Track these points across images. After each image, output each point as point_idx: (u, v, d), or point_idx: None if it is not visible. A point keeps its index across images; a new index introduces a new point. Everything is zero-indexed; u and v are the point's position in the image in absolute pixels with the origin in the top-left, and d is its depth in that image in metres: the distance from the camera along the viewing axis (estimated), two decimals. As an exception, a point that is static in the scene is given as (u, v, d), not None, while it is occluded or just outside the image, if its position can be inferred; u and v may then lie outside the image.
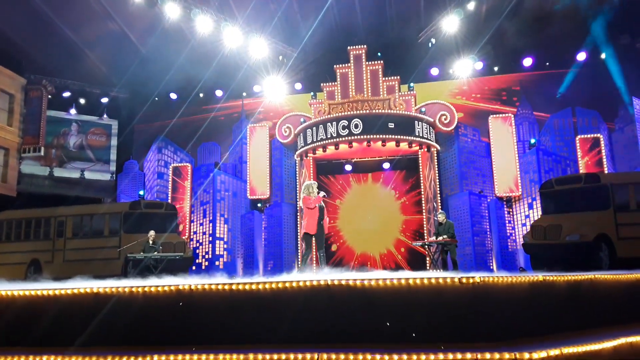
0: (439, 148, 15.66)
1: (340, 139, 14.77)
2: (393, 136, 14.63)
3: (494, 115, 15.68)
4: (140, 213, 13.28)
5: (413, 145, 15.01)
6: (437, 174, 15.40)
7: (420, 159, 15.55)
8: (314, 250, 8.07)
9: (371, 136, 14.58)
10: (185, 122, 17.84)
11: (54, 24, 16.30)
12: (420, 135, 14.96)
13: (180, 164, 17.04)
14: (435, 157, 15.54)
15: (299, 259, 15.27)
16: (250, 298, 5.23)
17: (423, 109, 15.52)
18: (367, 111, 14.86)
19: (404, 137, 14.69)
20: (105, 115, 19.21)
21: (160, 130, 17.78)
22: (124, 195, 17.86)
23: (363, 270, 9.95)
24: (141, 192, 17.82)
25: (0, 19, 15.70)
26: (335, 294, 5.16)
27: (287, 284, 5.21)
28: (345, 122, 14.75)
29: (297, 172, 16.15)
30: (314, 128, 15.28)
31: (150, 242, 11.56)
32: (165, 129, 17.56)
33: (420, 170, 15.47)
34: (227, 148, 18.03)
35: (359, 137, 14.61)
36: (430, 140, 15.29)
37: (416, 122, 14.93)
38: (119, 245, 12.63)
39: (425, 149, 15.37)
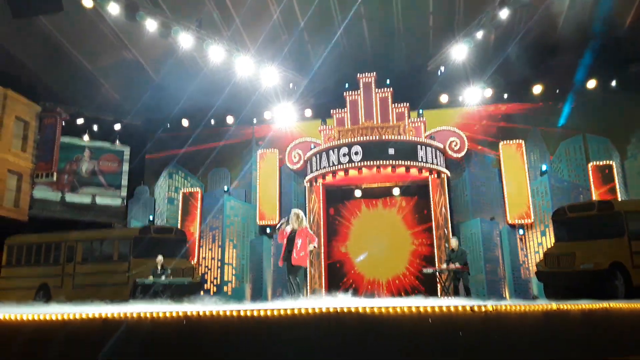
0: (449, 174, 15.67)
1: (350, 164, 14.85)
2: (402, 162, 14.69)
3: (505, 142, 15.69)
4: (150, 238, 13.36)
5: (423, 171, 15.04)
6: (447, 201, 15.34)
7: (430, 185, 15.55)
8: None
9: (381, 162, 14.66)
10: (196, 149, 18.06)
11: (69, 52, 16.81)
12: (429, 161, 15.00)
13: (190, 190, 17.18)
14: (446, 184, 15.52)
15: (307, 288, 15.15)
16: (259, 325, 5.22)
17: (433, 136, 15.58)
18: (377, 137, 14.96)
19: (412, 163, 14.74)
20: (117, 142, 19.55)
21: (172, 156, 18.02)
22: (134, 220, 18.00)
23: (372, 297, 9.83)
24: (151, 217, 17.93)
25: (17, 47, 16.25)
26: (345, 322, 5.12)
27: (296, 311, 5.19)
28: (356, 148, 14.89)
29: (306, 198, 16.20)
30: (324, 154, 15.40)
31: (159, 267, 11.58)
32: (177, 156, 17.79)
33: (431, 196, 15.45)
34: (237, 174, 18.16)
35: (367, 163, 14.69)
36: (439, 166, 15.31)
37: (425, 148, 14.99)
38: (129, 270, 12.66)
39: (435, 175, 15.38)
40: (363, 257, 8.09)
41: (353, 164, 14.79)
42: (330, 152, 15.25)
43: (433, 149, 15.19)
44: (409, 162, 14.78)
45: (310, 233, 8.16)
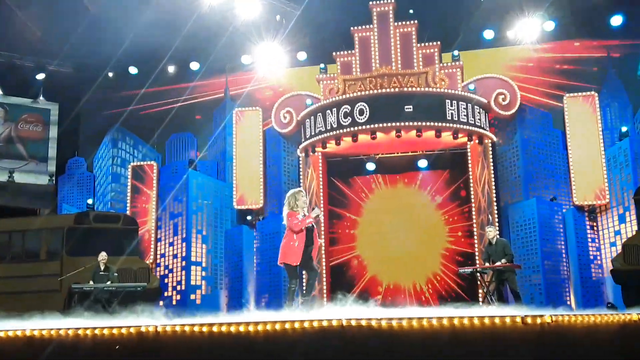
0: (495, 139, 15.65)
1: (359, 127, 14.81)
2: (430, 123, 14.64)
3: (571, 94, 15.60)
4: (88, 229, 13.39)
5: (459, 135, 15.00)
6: (492, 175, 15.35)
7: (469, 154, 15.51)
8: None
9: (401, 123, 14.60)
10: (149, 107, 17.97)
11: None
12: (468, 121, 14.96)
13: (142, 163, 17.13)
14: (490, 152, 15.50)
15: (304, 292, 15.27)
16: (238, 344, 5.28)
17: (472, 86, 15.47)
18: (397, 89, 14.88)
19: (445, 124, 14.69)
20: (41, 97, 19.40)
21: (116, 117, 17.93)
22: (67, 204, 18.02)
23: (391, 306, 9.93)
24: (90, 201, 17.97)
25: None
26: (352, 339, 5.18)
27: (288, 325, 5.24)
28: (364, 105, 14.81)
29: (300, 173, 16.18)
30: (324, 113, 15.35)
31: (102, 267, 11.66)
32: (122, 116, 17.70)
33: (470, 169, 15.42)
34: (206, 140, 18.09)
35: (382, 124, 14.64)
36: (482, 128, 15.28)
37: (461, 103, 14.92)
38: (61, 272, 12.71)
39: (476, 141, 15.35)
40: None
41: (362, 126, 14.76)
42: (332, 110, 15.20)
43: (473, 105, 15.14)
44: (439, 122, 14.74)
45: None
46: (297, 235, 7.81)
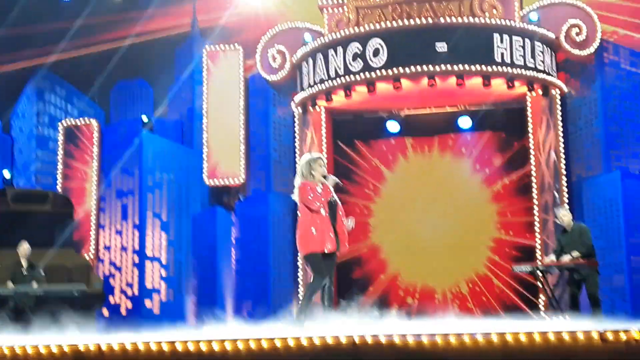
0: (565, 90, 15.61)
1: (375, 73, 14.71)
2: (474, 67, 14.54)
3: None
4: (5, 212, 13.43)
5: (515, 84, 14.93)
6: (561, 139, 15.33)
7: (529, 110, 15.46)
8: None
9: (435, 68, 14.52)
10: (87, 44, 17.86)
11: None
12: (528, 64, 14.87)
13: (78, 121, 17.04)
14: (559, 108, 15.45)
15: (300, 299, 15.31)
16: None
17: (535, 16, 15.32)
18: (431, 20, 14.76)
19: (494, 67, 14.62)
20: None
21: (42, 59, 17.83)
22: (-26, 178, 18.05)
23: (420, 317, 9.96)
24: (6, 174, 17.95)
25: None
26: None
27: (279, 343, 5.26)
28: (380, 43, 14.72)
29: (296, 136, 16.15)
30: (328, 53, 15.25)
31: (25, 264, 11.67)
32: (50, 57, 17.60)
33: (530, 131, 15.38)
34: (166, 91, 18.00)
35: (407, 69, 14.55)
36: (547, 74, 15.19)
37: (517, 39, 14.80)
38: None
39: (539, 92, 15.29)
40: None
41: (378, 71, 14.63)
42: (338, 49, 15.09)
43: (534, 42, 15.02)
44: (487, 66, 14.63)
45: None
46: (316, 214, 7.67)
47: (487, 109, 15.89)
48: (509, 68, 14.74)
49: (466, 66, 14.59)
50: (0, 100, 19.06)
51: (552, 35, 15.23)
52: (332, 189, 7.78)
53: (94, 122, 16.96)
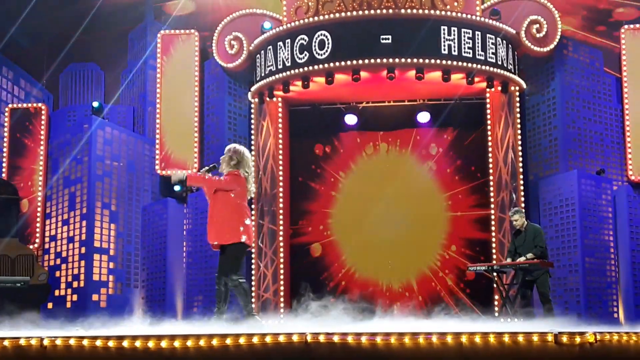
0: (524, 86, 15.73)
1: (337, 63, 14.70)
2: (434, 60, 14.58)
3: (631, 25, 15.66)
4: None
5: (475, 78, 15.01)
6: (519, 137, 15.45)
7: (488, 105, 15.56)
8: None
9: (399, 60, 14.54)
10: (35, 24, 17.57)
11: None
12: (488, 59, 14.96)
13: (25, 105, 16.75)
14: (518, 105, 15.56)
15: (252, 294, 15.30)
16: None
17: (495, 10, 15.41)
18: (391, 10, 14.76)
19: (454, 62, 14.68)
20: None
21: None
22: None
23: (375, 315, 10.00)
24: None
25: None
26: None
27: (229, 341, 5.22)
28: (325, 35, 14.73)
29: (252, 126, 16.08)
30: (287, 41, 15.21)
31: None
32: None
33: (489, 127, 15.49)
34: (119, 77, 17.79)
35: (366, 60, 14.56)
36: (507, 70, 15.29)
37: (478, 34, 14.89)
38: None
39: (499, 87, 15.38)
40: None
41: (319, 65, 14.65)
42: (298, 38, 15.06)
43: (495, 38, 15.10)
44: (447, 61, 14.69)
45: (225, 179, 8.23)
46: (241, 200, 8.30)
47: (447, 103, 15.93)
48: (471, 63, 14.80)
49: (423, 59, 14.62)
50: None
51: (512, 30, 15.32)
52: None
53: (42, 107, 16.72)
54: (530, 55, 15.73)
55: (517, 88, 15.60)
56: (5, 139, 16.59)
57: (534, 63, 15.90)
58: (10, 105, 16.84)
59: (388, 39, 14.60)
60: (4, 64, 17.65)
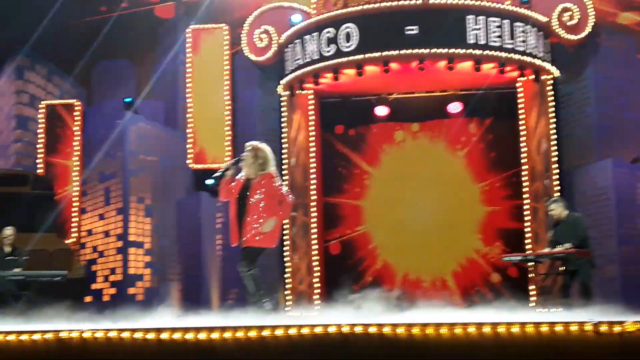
0: (557, 74, 15.60)
1: (367, 54, 14.68)
2: (463, 50, 14.54)
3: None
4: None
5: (506, 68, 14.94)
6: (553, 127, 15.34)
7: (521, 95, 15.49)
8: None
9: (429, 50, 14.49)
10: (68, 20, 17.71)
11: None
12: (519, 48, 14.87)
13: (60, 101, 16.90)
14: (551, 94, 15.45)
15: (286, 287, 15.36)
16: (194, 357, 5.29)
17: (527, -1, 15.34)
18: (420, 0, 14.71)
19: (485, 51, 14.65)
20: None
21: (22, 36, 17.68)
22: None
23: (410, 306, 10.01)
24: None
25: None
26: (357, 353, 5.21)
27: (267, 333, 5.26)
28: (369, 24, 14.71)
29: (283, 119, 16.12)
30: (315, 34, 15.22)
31: (7, 248, 11.64)
32: (32, 35, 17.45)
33: (522, 117, 15.41)
34: (150, 71, 17.88)
35: (402, 51, 14.54)
36: (539, 59, 15.20)
37: (506, 23, 14.81)
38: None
39: (530, 77, 15.30)
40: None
41: (347, 57, 14.65)
42: (324, 31, 15.06)
43: (524, 26, 15.00)
44: (477, 50, 14.62)
45: (278, 186, 8.25)
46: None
47: (478, 93, 15.85)
48: (502, 52, 14.73)
49: (439, 49, 14.53)
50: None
51: (543, 18, 15.22)
52: (254, 180, 8.23)
53: (76, 103, 16.85)
54: (563, 44, 15.59)
55: (550, 77, 15.49)
56: (40, 135, 16.77)
57: (566, 51, 15.74)
58: (44, 102, 17.00)
59: (414, 29, 14.55)
60: (37, 61, 17.83)
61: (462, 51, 14.61)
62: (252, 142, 8.47)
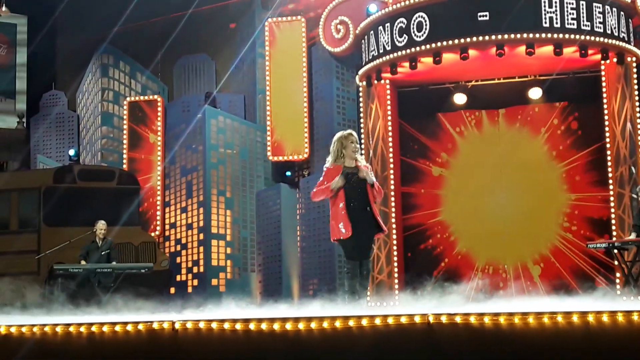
0: (642, 57, 15.23)
1: (445, 42, 14.57)
2: (542, 34, 14.28)
3: None
4: (72, 189, 13.81)
5: (588, 51, 14.63)
6: (637, 109, 15.00)
7: (604, 78, 15.15)
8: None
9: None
10: (149, 17, 18.00)
11: None
12: (601, 30, 14.57)
13: (143, 98, 17.29)
14: (635, 77, 15.10)
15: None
16: (283, 348, 5.35)
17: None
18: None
19: (565, 35, 14.35)
20: (4, 8, 19.64)
21: (105, 34, 18.06)
22: (42, 155, 18.41)
23: (492, 295, 9.93)
24: (72, 151, 18.29)
25: None
26: (443, 343, 5.19)
27: (352, 323, 5.28)
28: (442, 12, 14.62)
29: (361, 109, 16.12)
30: (392, 24, 15.17)
31: (99, 241, 11.93)
32: (113, 33, 17.82)
33: (605, 101, 15.09)
34: (228, 65, 18.08)
35: (479, 38, 14.38)
36: (623, 40, 14.87)
37: (593, 3, 14.51)
38: (38, 248, 13.09)
39: (614, 60, 14.96)
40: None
41: (421, 46, 14.57)
42: (401, 20, 15.03)
43: (602, 7, 14.66)
44: (558, 34, 14.38)
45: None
46: (331, 200, 8.03)
47: (559, 78, 15.58)
48: (583, 35, 14.45)
49: (516, 35, 14.33)
50: (67, 77, 19.37)
51: None
52: (363, 166, 8.00)
53: (158, 99, 17.19)
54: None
55: (634, 59, 15.12)
56: (125, 131, 17.16)
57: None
58: (128, 99, 17.38)
59: (486, 15, 14.36)
60: (120, 58, 18.21)
61: (542, 35, 14.36)
62: (348, 132, 8.31)
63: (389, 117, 15.91)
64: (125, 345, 5.51)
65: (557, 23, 14.37)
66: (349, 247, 7.88)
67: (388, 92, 15.97)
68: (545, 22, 14.38)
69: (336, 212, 7.96)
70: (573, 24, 14.42)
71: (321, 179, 8.12)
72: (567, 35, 14.39)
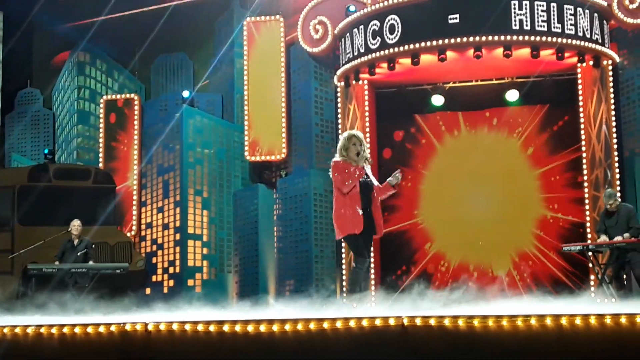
0: (616, 60, 15.33)
1: (425, 43, 14.58)
2: (521, 37, 14.33)
3: None
4: (48, 188, 13.70)
5: (564, 53, 14.71)
6: (613, 113, 15.08)
7: (579, 81, 15.24)
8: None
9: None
10: (127, 16, 17.91)
11: None
12: (578, 33, 14.61)
13: (120, 96, 17.16)
14: (611, 80, 15.17)
15: (343, 279, 15.37)
16: (257, 351, 5.32)
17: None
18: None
19: (543, 37, 14.41)
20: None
21: (83, 31, 17.93)
22: (17, 154, 18.26)
23: (467, 297, 9.94)
24: (47, 150, 18.13)
25: None
26: (418, 346, 5.19)
27: (326, 325, 5.27)
28: (395, 19, 14.67)
29: (339, 110, 16.11)
30: (371, 24, 15.17)
31: (76, 240, 11.85)
32: (92, 30, 17.69)
33: (581, 104, 15.17)
34: (207, 64, 18.02)
35: (456, 39, 14.40)
36: (599, 43, 14.93)
37: (567, 7, 14.55)
38: (11, 248, 13.04)
39: (590, 62, 15.04)
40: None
41: (393, 48, 14.59)
42: (374, 22, 15.05)
43: (581, 9, 14.71)
44: (535, 37, 14.43)
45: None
46: (347, 195, 7.93)
47: (536, 80, 15.64)
48: (560, 38, 14.50)
49: (514, 36, 14.39)
50: (43, 74, 19.23)
51: (603, 2, 14.93)
52: (367, 170, 7.96)
53: (135, 97, 17.09)
54: (623, 28, 15.30)
55: (610, 62, 15.21)
56: (101, 130, 17.05)
57: (627, 35, 15.48)
58: (104, 97, 17.27)
59: (456, 18, 14.36)
60: (97, 56, 18.10)
61: (519, 37, 14.40)
62: (355, 132, 8.32)
63: (367, 118, 15.92)
64: (97, 347, 5.47)
65: (527, 25, 14.41)
66: (361, 244, 7.91)
67: (366, 92, 15.97)
68: (515, 25, 14.41)
69: (348, 211, 7.99)
70: (544, 26, 14.46)
71: (337, 172, 8.05)
72: (543, 38, 14.47)
